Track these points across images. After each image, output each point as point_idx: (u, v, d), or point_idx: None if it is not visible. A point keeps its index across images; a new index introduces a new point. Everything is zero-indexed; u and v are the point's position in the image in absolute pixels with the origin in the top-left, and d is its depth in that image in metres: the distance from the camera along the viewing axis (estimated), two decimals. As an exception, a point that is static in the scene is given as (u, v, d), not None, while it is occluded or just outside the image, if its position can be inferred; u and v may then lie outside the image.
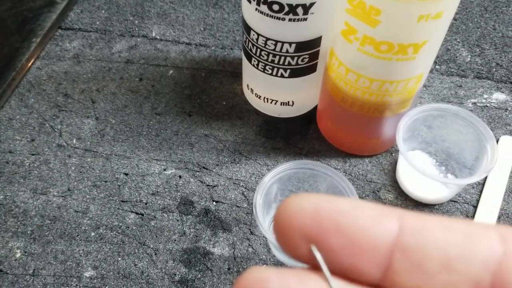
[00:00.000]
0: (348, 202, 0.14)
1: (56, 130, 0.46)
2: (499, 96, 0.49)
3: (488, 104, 0.49)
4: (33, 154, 0.45)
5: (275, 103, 0.45)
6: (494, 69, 0.52)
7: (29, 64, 0.51)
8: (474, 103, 0.49)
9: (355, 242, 0.13)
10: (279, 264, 0.39)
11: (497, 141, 0.45)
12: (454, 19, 0.57)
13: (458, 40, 0.55)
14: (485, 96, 0.50)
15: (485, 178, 0.43)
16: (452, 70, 0.52)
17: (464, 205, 0.42)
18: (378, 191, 0.43)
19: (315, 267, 0.14)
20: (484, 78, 0.51)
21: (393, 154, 0.45)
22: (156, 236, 0.40)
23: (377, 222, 0.13)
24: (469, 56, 0.53)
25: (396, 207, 0.14)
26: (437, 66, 0.52)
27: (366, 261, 0.13)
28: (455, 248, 0.13)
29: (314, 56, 0.41)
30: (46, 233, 0.40)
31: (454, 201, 0.42)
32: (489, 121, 0.47)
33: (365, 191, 0.43)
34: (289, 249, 0.14)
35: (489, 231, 0.13)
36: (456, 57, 0.53)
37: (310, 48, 0.40)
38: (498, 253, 0.13)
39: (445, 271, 0.13)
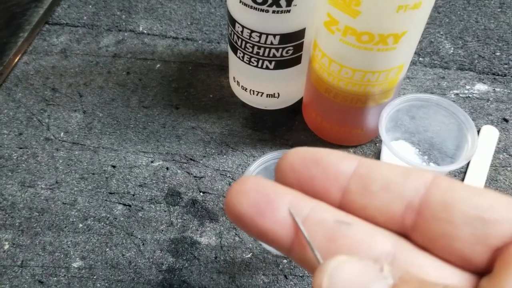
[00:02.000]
0: (325, 150, 0.19)
1: (43, 123, 0.47)
2: (481, 87, 0.50)
3: (470, 95, 0.50)
4: (20, 148, 0.45)
5: (261, 95, 0.46)
6: (477, 60, 0.53)
7: (17, 59, 0.52)
8: (457, 94, 0.50)
9: (327, 170, 0.18)
10: (265, 252, 0.39)
11: (479, 131, 0.46)
12: (438, 12, 0.58)
13: (441, 33, 0.56)
14: (468, 87, 0.50)
15: (467, 167, 0.44)
16: (436, 62, 0.53)
17: (447, 193, 0.42)
18: (362, 180, 0.43)
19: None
20: (466, 70, 0.52)
21: (377, 144, 0.46)
22: (144, 226, 0.40)
23: (343, 159, 0.18)
24: (452, 48, 0.54)
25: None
26: (420, 58, 0.53)
27: (332, 184, 0.18)
28: (394, 176, 0.17)
29: (299, 48, 0.41)
30: (34, 225, 0.40)
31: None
32: (471, 112, 0.48)
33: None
34: (281, 178, 0.19)
35: (426, 172, 0.17)
36: (439, 49, 0.54)
37: (294, 40, 0.40)
38: (428, 183, 0.17)
39: (384, 191, 0.17)
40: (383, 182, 0.17)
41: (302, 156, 0.18)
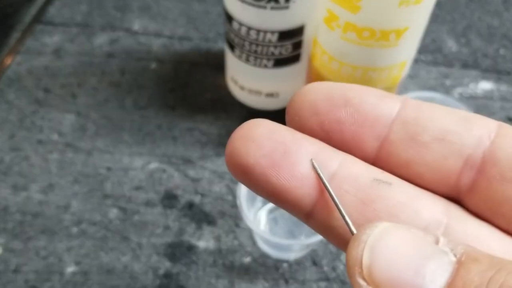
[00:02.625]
0: (357, 86, 0.15)
1: (36, 125, 0.46)
2: (485, 86, 0.49)
3: (474, 94, 0.49)
4: (13, 150, 0.44)
5: (260, 95, 0.45)
6: (480, 59, 0.52)
7: (9, 60, 0.51)
8: (461, 93, 0.49)
9: (360, 112, 0.14)
10: (264, 256, 0.38)
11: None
12: (440, 9, 0.57)
13: (444, 31, 0.55)
14: (471, 85, 0.49)
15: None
16: (439, 60, 0.52)
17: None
18: (364, 181, 0.42)
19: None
20: (470, 68, 0.51)
21: (379, 144, 0.45)
22: (140, 230, 0.39)
23: (382, 100, 0.14)
24: (455, 46, 0.53)
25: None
26: (423, 57, 0.52)
27: (367, 131, 0.14)
28: (452, 125, 0.14)
29: (298, 46, 0.40)
30: (27, 229, 0.39)
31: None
32: (475, 111, 0.47)
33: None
34: (298, 123, 0.15)
35: (488, 119, 0.14)
36: (442, 47, 0.53)
37: (293, 37, 0.39)
38: (492, 134, 0.14)
39: (438, 142, 0.14)
40: (437, 131, 0.14)
41: (327, 93, 0.14)
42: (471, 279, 0.11)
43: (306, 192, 0.14)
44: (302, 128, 0.15)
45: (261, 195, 0.15)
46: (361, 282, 0.11)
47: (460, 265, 0.11)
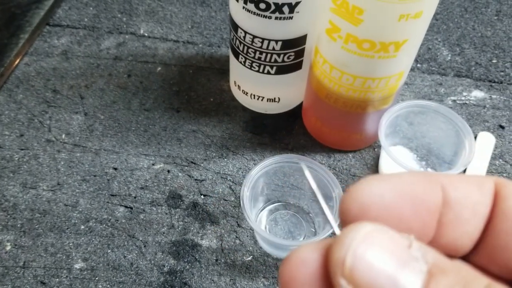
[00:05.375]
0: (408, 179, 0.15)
1: (45, 125, 0.47)
2: (477, 94, 0.51)
3: (467, 102, 0.51)
4: (22, 149, 0.45)
5: (262, 100, 0.46)
6: (473, 67, 0.54)
7: (18, 60, 0.52)
8: (454, 101, 0.51)
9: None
10: (265, 255, 0.40)
11: (476, 137, 0.47)
12: (436, 19, 0.59)
13: (439, 40, 0.56)
14: (464, 93, 0.51)
15: (464, 173, 0.45)
16: (433, 68, 0.53)
17: (444, 198, 0.43)
18: (361, 185, 0.44)
19: None
20: (463, 77, 0.53)
21: (375, 150, 0.47)
22: (145, 229, 0.41)
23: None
24: (450, 55, 0.55)
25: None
26: (418, 65, 0.54)
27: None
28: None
29: (300, 54, 0.42)
30: (36, 226, 0.41)
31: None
32: (468, 118, 0.49)
33: (348, 184, 0.44)
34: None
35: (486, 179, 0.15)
36: (437, 56, 0.55)
37: (295, 46, 0.41)
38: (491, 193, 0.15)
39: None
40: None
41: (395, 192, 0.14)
42: None
43: None
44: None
45: None
46: (342, 282, 0.12)
47: (430, 276, 0.12)
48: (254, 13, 0.38)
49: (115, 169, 0.44)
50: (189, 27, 0.56)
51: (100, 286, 0.38)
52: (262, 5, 0.37)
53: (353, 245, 0.12)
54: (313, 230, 0.41)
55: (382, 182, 0.14)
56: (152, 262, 0.39)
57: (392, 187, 0.14)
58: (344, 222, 0.14)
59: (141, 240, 0.40)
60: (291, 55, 0.42)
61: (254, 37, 0.40)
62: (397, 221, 0.14)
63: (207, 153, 0.46)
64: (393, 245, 0.13)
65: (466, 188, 0.15)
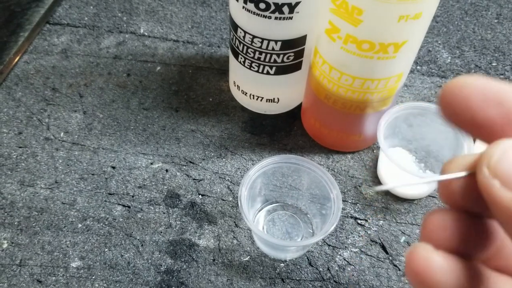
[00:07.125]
0: (508, 86, 0.16)
1: (43, 123, 0.47)
2: (477, 97, 0.51)
3: (466, 104, 0.50)
4: (20, 147, 0.45)
5: (261, 100, 0.46)
6: (473, 70, 0.54)
7: (17, 58, 0.52)
8: (453, 103, 0.50)
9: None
10: (262, 255, 0.40)
11: (474, 140, 0.47)
12: (436, 21, 0.59)
13: (439, 42, 0.56)
14: (464, 96, 0.51)
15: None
16: (433, 71, 0.53)
17: (442, 201, 0.43)
18: (359, 186, 0.44)
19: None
20: (463, 79, 0.53)
21: (374, 151, 0.47)
22: (143, 228, 0.41)
23: None
24: (450, 57, 0.55)
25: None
26: (418, 67, 0.54)
27: None
28: None
29: (299, 54, 0.42)
30: (33, 224, 0.41)
31: (433, 197, 0.43)
32: (467, 120, 0.49)
33: (347, 185, 0.44)
34: (450, 113, 0.16)
35: None
36: (437, 58, 0.55)
37: (295, 46, 0.41)
38: None
39: None
40: None
41: (481, 91, 0.16)
42: None
43: None
44: (454, 118, 0.16)
45: None
46: (485, 170, 0.15)
47: None
48: (254, 13, 0.38)
49: (113, 167, 0.44)
50: (189, 27, 0.56)
51: (96, 285, 0.38)
52: (262, 5, 0.37)
53: (504, 146, 0.15)
54: (311, 231, 0.41)
55: (485, 84, 0.16)
56: (149, 261, 0.39)
57: (493, 91, 0.16)
58: (444, 108, 0.16)
59: (138, 239, 0.40)
60: (290, 55, 0.42)
61: (254, 37, 0.40)
62: (486, 122, 0.16)
63: (206, 153, 0.46)
64: None
65: None
